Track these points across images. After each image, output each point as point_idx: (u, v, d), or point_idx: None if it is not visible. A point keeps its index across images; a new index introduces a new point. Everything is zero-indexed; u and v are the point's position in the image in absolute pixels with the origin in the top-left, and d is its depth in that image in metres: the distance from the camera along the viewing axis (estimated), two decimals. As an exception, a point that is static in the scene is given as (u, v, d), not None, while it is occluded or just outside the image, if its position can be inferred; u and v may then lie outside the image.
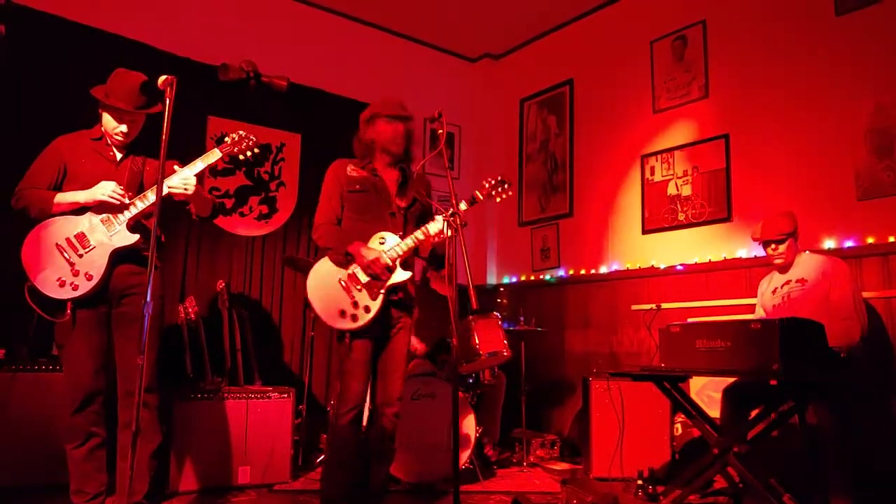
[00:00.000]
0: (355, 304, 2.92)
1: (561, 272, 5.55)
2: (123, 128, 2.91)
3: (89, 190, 2.77)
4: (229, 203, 4.94)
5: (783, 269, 3.58)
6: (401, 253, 2.98)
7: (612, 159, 5.26)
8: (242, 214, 4.96)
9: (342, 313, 2.90)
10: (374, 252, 2.94)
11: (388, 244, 3.00)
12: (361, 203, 3.06)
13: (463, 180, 6.27)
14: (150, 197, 2.83)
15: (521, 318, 4.79)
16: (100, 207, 2.80)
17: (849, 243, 3.88)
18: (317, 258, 3.06)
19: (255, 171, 5.03)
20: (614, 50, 5.36)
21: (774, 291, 3.60)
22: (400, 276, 3.00)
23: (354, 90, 5.57)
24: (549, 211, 5.72)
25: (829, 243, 3.95)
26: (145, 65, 4.47)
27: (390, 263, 2.96)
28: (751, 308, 3.99)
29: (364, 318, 2.91)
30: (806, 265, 3.50)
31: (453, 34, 5.99)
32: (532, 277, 5.80)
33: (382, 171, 3.12)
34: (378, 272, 2.92)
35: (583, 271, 5.36)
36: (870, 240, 3.80)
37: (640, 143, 5.05)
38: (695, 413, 3.24)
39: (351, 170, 3.11)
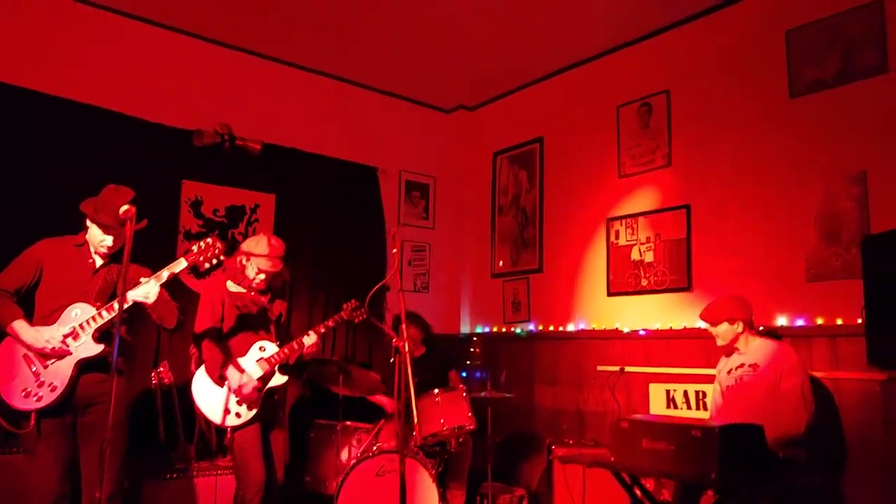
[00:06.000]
0: (239, 403, 3.47)
1: (531, 326, 5.67)
2: (109, 241, 3.05)
3: (36, 337, 2.88)
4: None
5: (735, 350, 3.72)
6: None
7: (580, 219, 5.38)
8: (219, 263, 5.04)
9: (228, 411, 3.43)
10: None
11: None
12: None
13: (438, 230, 6.39)
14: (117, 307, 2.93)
15: (489, 382, 4.85)
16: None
17: (800, 322, 4.01)
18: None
19: (230, 232, 5.12)
20: (583, 111, 5.47)
21: (730, 372, 3.75)
22: (278, 380, 3.60)
23: (329, 147, 5.67)
24: (520, 265, 5.84)
25: (781, 320, 4.08)
26: (119, 133, 4.63)
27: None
28: (709, 378, 4.12)
29: (247, 415, 3.45)
30: (759, 351, 3.64)
31: (428, 86, 6.08)
32: (504, 329, 5.92)
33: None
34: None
35: (552, 327, 5.48)
36: (819, 320, 3.93)
37: (606, 206, 5.17)
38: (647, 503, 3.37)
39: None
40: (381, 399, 4.89)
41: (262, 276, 3.60)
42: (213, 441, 4.38)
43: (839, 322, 3.83)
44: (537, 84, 5.89)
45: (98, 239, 3.04)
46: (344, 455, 4.37)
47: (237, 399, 3.42)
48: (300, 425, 4.98)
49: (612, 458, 3.26)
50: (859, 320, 3.75)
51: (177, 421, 4.25)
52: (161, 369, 4.37)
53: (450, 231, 6.45)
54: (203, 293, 3.76)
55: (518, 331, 5.76)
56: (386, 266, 5.83)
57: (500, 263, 6.03)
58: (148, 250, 3.81)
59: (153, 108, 4.82)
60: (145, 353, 4.59)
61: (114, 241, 3.05)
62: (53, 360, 2.88)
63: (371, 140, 6.00)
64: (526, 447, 5.46)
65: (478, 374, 5.98)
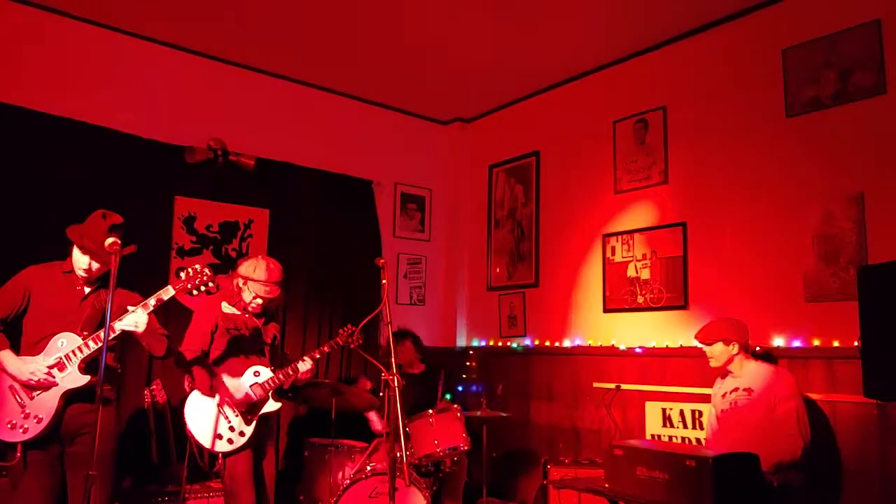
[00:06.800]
0: (231, 429, 3.45)
1: (527, 341, 5.64)
2: (91, 265, 3.00)
3: (21, 368, 2.85)
4: (197, 282, 4.99)
5: (730, 373, 3.70)
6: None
7: (575, 234, 5.34)
8: (210, 293, 5.00)
9: (220, 437, 3.40)
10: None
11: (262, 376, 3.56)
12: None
13: (434, 242, 6.35)
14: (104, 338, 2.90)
15: (484, 398, 4.83)
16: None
17: (797, 343, 3.98)
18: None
19: (223, 248, 5.08)
20: (579, 126, 5.44)
21: (724, 395, 3.72)
22: (272, 406, 3.58)
23: (324, 161, 5.63)
24: (515, 279, 5.80)
25: (778, 341, 4.05)
26: (111, 149, 4.59)
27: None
28: (705, 397, 4.10)
29: (239, 441, 3.41)
30: (754, 375, 3.61)
31: (424, 98, 6.03)
32: (500, 343, 5.89)
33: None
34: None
35: (547, 343, 5.45)
36: (816, 342, 3.89)
37: (602, 222, 5.13)
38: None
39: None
40: (373, 421, 4.85)
41: (259, 301, 3.56)
42: (205, 463, 4.35)
43: (836, 344, 3.80)
44: (534, 97, 5.85)
45: (82, 265, 2.99)
46: (338, 475, 4.33)
47: (234, 411, 3.40)
48: (295, 444, 4.95)
49: (607, 485, 3.23)
50: (856, 343, 3.74)
51: (169, 441, 4.22)
52: (154, 387, 4.35)
53: (446, 243, 6.41)
54: (196, 312, 3.72)
55: (515, 345, 5.73)
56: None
57: (498, 270, 5.99)
58: (140, 267, 3.80)
59: (146, 124, 4.78)
60: (138, 371, 4.56)
61: (99, 267, 3.00)
62: (39, 392, 2.84)
63: (366, 152, 5.96)
64: (522, 463, 5.43)
65: (473, 388, 5.96)
